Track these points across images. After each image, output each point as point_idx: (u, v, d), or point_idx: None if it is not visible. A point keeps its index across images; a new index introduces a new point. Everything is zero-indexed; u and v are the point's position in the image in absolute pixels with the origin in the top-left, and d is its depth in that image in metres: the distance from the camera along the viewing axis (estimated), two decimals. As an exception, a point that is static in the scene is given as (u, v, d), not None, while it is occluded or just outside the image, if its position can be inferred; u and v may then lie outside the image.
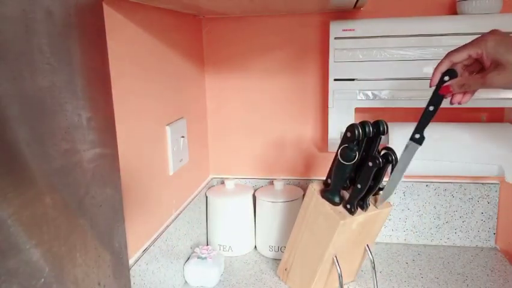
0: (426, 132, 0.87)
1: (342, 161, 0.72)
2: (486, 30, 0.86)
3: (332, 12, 0.99)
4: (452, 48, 0.87)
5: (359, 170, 0.74)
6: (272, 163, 1.11)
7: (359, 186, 0.73)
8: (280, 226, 1.00)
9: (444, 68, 0.63)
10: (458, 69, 0.64)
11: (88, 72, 0.48)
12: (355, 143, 0.72)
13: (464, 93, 0.63)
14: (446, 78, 0.62)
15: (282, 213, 0.99)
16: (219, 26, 1.04)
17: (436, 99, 0.65)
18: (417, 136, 0.69)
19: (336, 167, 0.75)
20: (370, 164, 0.70)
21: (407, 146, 0.70)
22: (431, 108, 0.66)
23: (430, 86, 0.64)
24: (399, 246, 1.07)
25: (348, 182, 0.78)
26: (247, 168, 1.12)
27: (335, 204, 0.78)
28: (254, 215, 1.06)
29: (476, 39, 0.61)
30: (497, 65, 0.58)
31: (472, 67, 0.64)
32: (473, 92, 0.63)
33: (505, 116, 0.99)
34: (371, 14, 0.96)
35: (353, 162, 0.71)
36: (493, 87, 0.59)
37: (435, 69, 0.63)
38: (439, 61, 0.63)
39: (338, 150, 0.74)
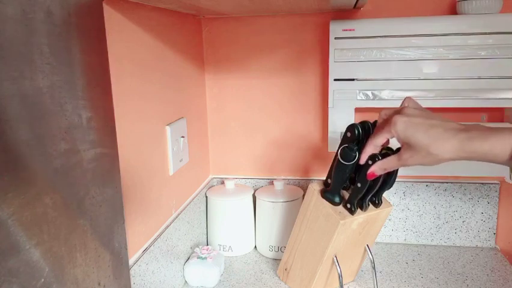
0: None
1: (342, 161, 0.72)
2: (486, 30, 0.87)
3: (332, 12, 0.99)
4: (453, 48, 0.88)
5: (359, 170, 0.74)
6: (272, 163, 1.11)
7: (358, 185, 0.73)
8: (280, 226, 1.00)
9: (371, 151, 0.67)
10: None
11: (88, 72, 0.48)
12: (355, 143, 0.72)
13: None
14: (370, 162, 0.68)
15: (282, 213, 0.99)
16: (219, 26, 1.04)
17: (364, 180, 0.71)
18: (348, 206, 0.77)
19: (336, 167, 0.75)
20: (370, 162, 0.70)
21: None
22: (359, 185, 0.73)
23: (360, 164, 0.69)
24: (399, 246, 1.07)
25: (348, 182, 0.78)
26: (247, 168, 1.12)
27: (334, 204, 0.78)
28: (254, 215, 1.06)
29: (388, 122, 0.61)
30: (408, 146, 0.59)
31: None
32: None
33: (505, 116, 0.99)
34: (371, 14, 0.96)
35: (353, 162, 0.72)
36: (411, 165, 0.61)
37: (363, 152, 0.68)
38: (365, 146, 0.67)
39: (337, 150, 0.74)
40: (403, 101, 0.64)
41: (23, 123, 0.38)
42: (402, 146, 0.61)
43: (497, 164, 0.54)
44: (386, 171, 0.67)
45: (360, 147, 0.73)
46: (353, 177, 0.77)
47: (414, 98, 0.65)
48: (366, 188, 0.73)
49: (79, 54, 0.46)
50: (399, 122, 0.59)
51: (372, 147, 0.67)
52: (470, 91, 0.91)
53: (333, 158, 0.78)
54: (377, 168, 0.67)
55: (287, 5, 0.84)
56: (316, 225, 0.81)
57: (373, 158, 0.67)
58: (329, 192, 0.78)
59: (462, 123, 0.58)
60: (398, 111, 0.61)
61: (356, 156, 0.71)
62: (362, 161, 0.69)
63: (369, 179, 0.69)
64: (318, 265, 0.82)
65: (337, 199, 0.78)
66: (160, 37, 0.80)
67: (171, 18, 0.85)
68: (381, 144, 0.66)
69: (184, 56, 0.93)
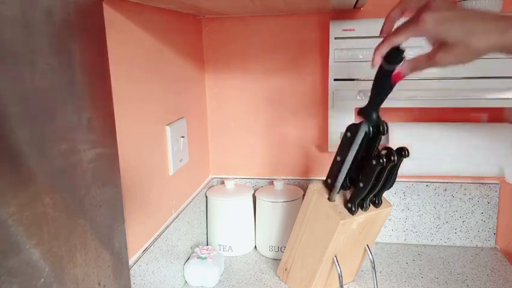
0: (427, 131, 0.87)
1: (385, 67, 0.61)
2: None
3: (332, 12, 0.99)
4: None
5: (360, 170, 0.74)
6: (272, 163, 1.11)
7: (361, 184, 0.73)
8: (280, 226, 1.00)
9: (385, 50, 0.59)
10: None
11: (88, 73, 0.48)
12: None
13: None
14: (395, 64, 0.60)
15: (282, 213, 0.99)
16: (219, 26, 1.04)
17: (366, 180, 0.70)
18: (349, 206, 0.76)
19: (377, 77, 0.65)
20: (374, 162, 0.69)
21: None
22: (361, 185, 0.71)
23: (372, 66, 0.61)
24: (399, 246, 1.07)
25: (348, 182, 0.78)
26: (247, 168, 1.12)
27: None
28: (254, 215, 1.06)
29: (414, 20, 0.53)
30: (442, 44, 0.53)
31: None
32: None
33: (505, 116, 0.99)
34: (371, 14, 0.96)
35: (398, 65, 0.60)
36: (444, 66, 0.55)
37: (376, 50, 0.59)
38: (379, 45, 0.59)
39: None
40: None
41: (23, 123, 0.37)
42: (433, 44, 0.55)
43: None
44: (414, 72, 0.58)
45: (361, 147, 0.73)
46: (353, 177, 0.77)
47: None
48: (368, 189, 0.73)
49: (79, 54, 0.46)
50: (429, 19, 0.52)
51: (389, 45, 0.58)
52: (470, 91, 0.91)
53: (333, 158, 0.78)
54: (407, 69, 0.58)
55: (287, 5, 0.84)
56: (316, 225, 0.81)
57: (400, 56, 0.58)
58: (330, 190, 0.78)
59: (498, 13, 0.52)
60: (423, 7, 0.53)
61: (403, 59, 0.60)
62: (377, 61, 0.59)
63: (396, 81, 0.60)
64: (318, 265, 0.82)
65: (374, 116, 0.68)
66: (160, 37, 0.80)
67: (171, 18, 0.85)
68: (401, 43, 0.57)
69: (184, 56, 0.93)
